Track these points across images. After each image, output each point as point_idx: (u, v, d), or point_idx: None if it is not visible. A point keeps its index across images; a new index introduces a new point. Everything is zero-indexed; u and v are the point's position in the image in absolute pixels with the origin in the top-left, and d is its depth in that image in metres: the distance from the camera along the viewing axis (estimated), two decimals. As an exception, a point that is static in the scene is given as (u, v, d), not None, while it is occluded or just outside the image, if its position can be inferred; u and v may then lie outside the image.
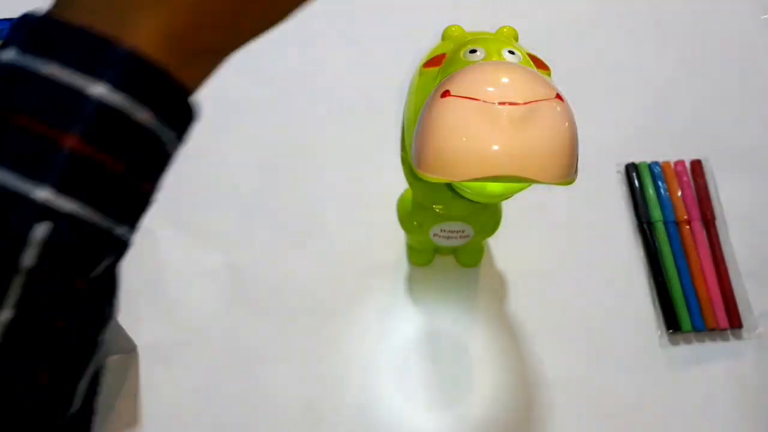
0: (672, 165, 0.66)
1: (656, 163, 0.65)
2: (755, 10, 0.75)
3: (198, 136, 0.70)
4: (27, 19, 0.24)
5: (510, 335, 0.60)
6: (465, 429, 0.56)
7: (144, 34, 0.24)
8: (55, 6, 0.24)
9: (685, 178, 0.65)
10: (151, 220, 0.64)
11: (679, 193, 0.64)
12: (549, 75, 0.38)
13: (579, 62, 0.69)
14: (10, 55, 0.23)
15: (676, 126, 0.69)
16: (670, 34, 0.74)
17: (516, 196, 0.41)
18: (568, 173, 0.32)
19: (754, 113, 0.70)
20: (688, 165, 0.66)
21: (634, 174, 0.65)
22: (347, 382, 0.58)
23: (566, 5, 0.75)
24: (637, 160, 0.66)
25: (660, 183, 0.64)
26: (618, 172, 0.66)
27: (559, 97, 0.31)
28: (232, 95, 0.69)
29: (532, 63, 0.37)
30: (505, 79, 0.31)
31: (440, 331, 0.60)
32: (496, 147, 0.30)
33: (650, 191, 0.64)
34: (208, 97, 0.72)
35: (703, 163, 0.66)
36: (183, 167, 0.66)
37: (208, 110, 0.72)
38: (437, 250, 0.62)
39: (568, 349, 0.59)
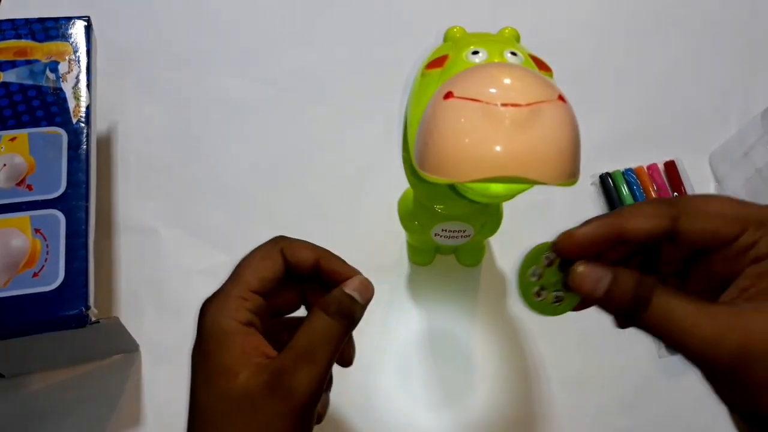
0: (645, 169, 0.66)
1: (630, 170, 0.65)
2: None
3: (201, 137, 0.72)
4: None
5: (510, 334, 0.60)
6: (465, 428, 0.57)
7: None
8: None
9: (660, 181, 0.65)
10: (155, 221, 0.65)
11: (656, 197, 0.64)
12: (551, 76, 0.38)
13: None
14: None
15: (643, 130, 0.69)
16: (632, 41, 0.75)
17: (517, 197, 0.41)
18: (570, 174, 0.32)
19: (718, 110, 0.71)
20: (661, 167, 0.66)
21: (611, 184, 0.65)
22: (348, 381, 0.58)
23: (566, 7, 0.76)
24: (609, 169, 0.66)
25: (637, 190, 0.64)
26: (592, 184, 0.66)
27: (561, 98, 0.32)
28: (234, 96, 0.70)
29: (534, 64, 0.38)
30: (507, 81, 0.31)
31: (441, 329, 0.60)
32: (498, 148, 0.30)
33: (628, 200, 0.64)
34: (210, 98, 0.73)
35: (677, 163, 0.66)
36: (185, 168, 0.67)
37: (210, 111, 0.73)
38: (438, 250, 0.62)
39: (568, 349, 0.59)
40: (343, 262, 0.40)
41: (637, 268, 0.36)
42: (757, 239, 0.33)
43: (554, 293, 0.36)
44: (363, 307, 0.39)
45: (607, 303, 0.34)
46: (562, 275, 0.36)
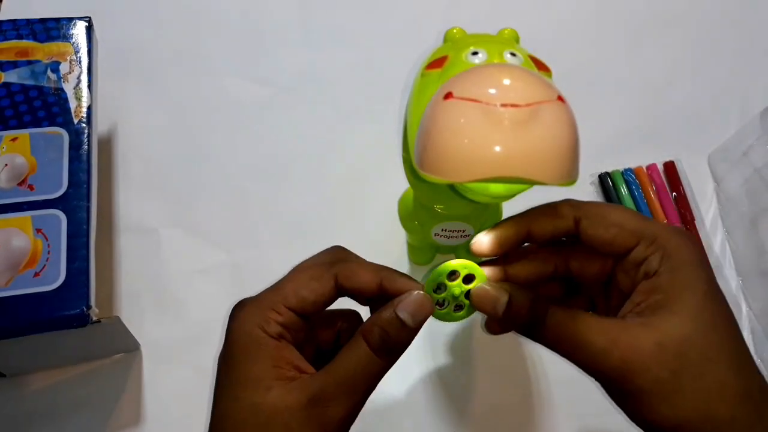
0: (644, 169, 0.66)
1: (629, 170, 0.66)
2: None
3: (201, 137, 0.72)
4: None
5: (509, 333, 0.60)
6: (464, 427, 0.57)
7: None
8: None
9: (659, 181, 0.65)
10: (155, 220, 0.65)
11: (654, 197, 0.65)
12: (550, 76, 0.38)
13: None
14: None
15: (642, 130, 0.69)
16: (631, 41, 0.75)
17: (516, 197, 0.41)
18: (569, 174, 0.32)
19: (717, 111, 0.71)
20: (660, 168, 0.66)
21: (610, 183, 0.65)
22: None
23: (565, 8, 0.76)
24: (608, 168, 0.66)
25: (636, 189, 0.64)
26: (591, 183, 0.66)
27: (560, 98, 0.32)
28: (235, 96, 0.70)
29: (533, 65, 0.38)
30: (506, 81, 0.31)
31: (440, 329, 0.60)
32: (498, 148, 0.30)
33: (627, 200, 0.64)
34: (211, 98, 0.73)
35: (676, 164, 0.66)
36: (186, 168, 0.67)
37: (211, 111, 0.73)
38: (438, 249, 0.62)
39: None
40: (409, 279, 0.37)
41: (561, 289, 0.40)
42: (648, 255, 0.34)
43: (455, 304, 0.38)
44: (414, 331, 0.35)
45: (506, 321, 0.36)
46: (465, 288, 0.37)
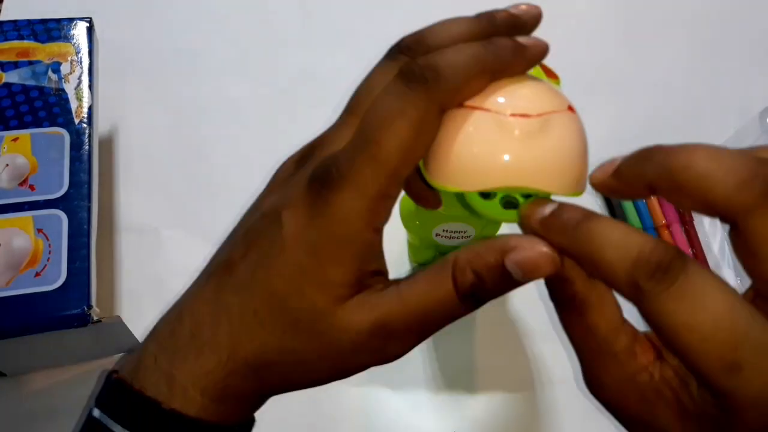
0: None
1: None
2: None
3: (202, 137, 0.71)
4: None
5: (510, 334, 0.60)
6: (465, 428, 0.57)
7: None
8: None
9: None
10: (156, 220, 0.65)
11: (653, 197, 0.65)
12: (558, 83, 0.38)
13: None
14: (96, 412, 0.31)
15: (641, 131, 0.69)
16: (631, 41, 0.75)
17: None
18: (578, 185, 0.32)
19: (716, 111, 0.71)
20: None
21: None
22: (347, 381, 0.58)
23: (565, 9, 0.76)
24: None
25: None
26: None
27: (570, 108, 0.32)
28: (235, 96, 0.70)
29: (543, 72, 0.38)
30: (517, 91, 0.31)
31: (440, 329, 0.60)
32: (507, 157, 0.30)
33: (627, 201, 0.64)
34: (211, 98, 0.73)
35: None
36: (187, 167, 0.67)
37: (211, 111, 0.72)
38: (439, 249, 0.62)
39: (568, 348, 0.60)
40: None
41: None
42: None
43: (505, 201, 0.31)
44: (516, 286, 0.28)
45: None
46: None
